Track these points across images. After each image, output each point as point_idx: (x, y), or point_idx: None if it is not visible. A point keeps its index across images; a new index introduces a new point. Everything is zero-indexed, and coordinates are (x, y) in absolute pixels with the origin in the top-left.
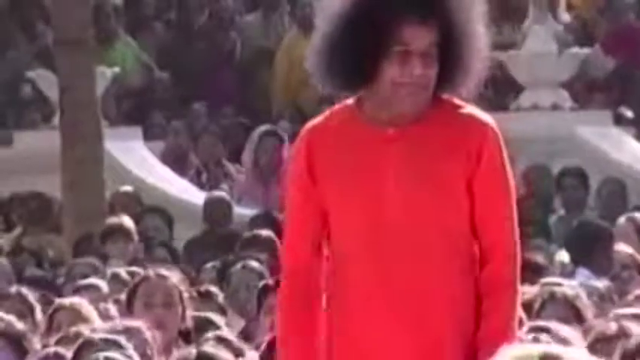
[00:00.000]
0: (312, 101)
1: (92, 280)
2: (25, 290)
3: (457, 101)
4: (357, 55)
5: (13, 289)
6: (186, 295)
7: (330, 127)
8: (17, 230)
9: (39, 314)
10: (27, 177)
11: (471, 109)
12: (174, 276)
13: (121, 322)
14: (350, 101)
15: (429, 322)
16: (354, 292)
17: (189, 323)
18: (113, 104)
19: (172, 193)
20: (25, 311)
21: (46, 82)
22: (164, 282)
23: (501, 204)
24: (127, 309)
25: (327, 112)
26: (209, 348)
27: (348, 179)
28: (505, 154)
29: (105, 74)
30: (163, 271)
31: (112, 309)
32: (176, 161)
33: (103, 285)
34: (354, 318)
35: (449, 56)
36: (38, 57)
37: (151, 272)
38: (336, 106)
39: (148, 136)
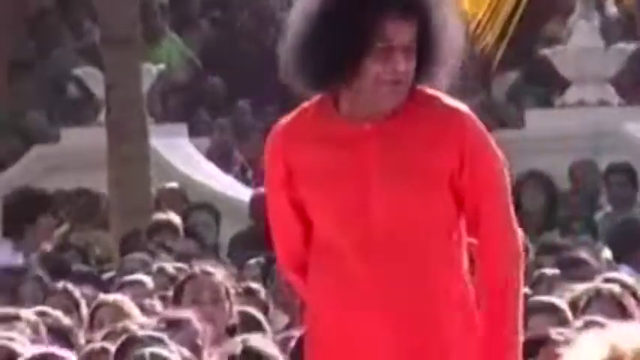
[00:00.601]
0: None
1: (137, 275)
2: (71, 286)
3: (429, 91)
4: (337, 52)
5: (60, 284)
6: (232, 291)
7: (304, 125)
8: (64, 227)
9: (84, 310)
10: (74, 173)
11: (444, 98)
12: (220, 272)
13: (171, 313)
14: (319, 99)
15: (420, 319)
16: (340, 291)
17: (235, 319)
18: (159, 101)
19: (218, 189)
20: (70, 307)
21: (93, 79)
22: (211, 278)
23: (494, 192)
24: (174, 305)
25: (296, 111)
26: (255, 342)
27: (329, 178)
28: (488, 138)
29: (151, 71)
30: (209, 268)
31: (158, 305)
32: (221, 158)
33: (148, 281)
34: (340, 317)
35: (426, 50)
36: (85, 54)
37: (197, 269)
38: (306, 104)
39: (193, 133)
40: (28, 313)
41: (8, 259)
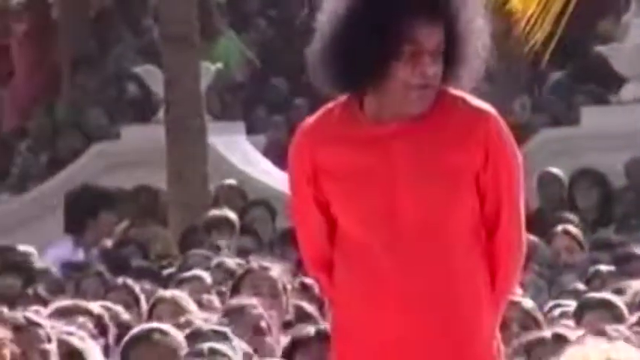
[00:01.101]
0: None
1: (196, 271)
2: (131, 281)
3: (454, 91)
4: (366, 55)
5: (120, 280)
6: (288, 286)
7: (330, 126)
8: (124, 223)
9: (144, 305)
10: (133, 171)
11: (469, 98)
12: (277, 268)
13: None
14: (345, 99)
15: (448, 319)
16: (368, 289)
17: (291, 315)
18: (217, 99)
19: (274, 186)
20: (130, 302)
21: (152, 77)
22: (269, 273)
23: (512, 194)
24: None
25: (321, 111)
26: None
27: (356, 178)
28: (511, 139)
29: (209, 70)
30: (267, 263)
31: (215, 300)
32: (277, 155)
33: (206, 276)
34: (367, 315)
35: (453, 52)
36: (144, 53)
37: (255, 264)
38: (331, 105)
39: (250, 131)
40: (92, 307)
41: (69, 255)
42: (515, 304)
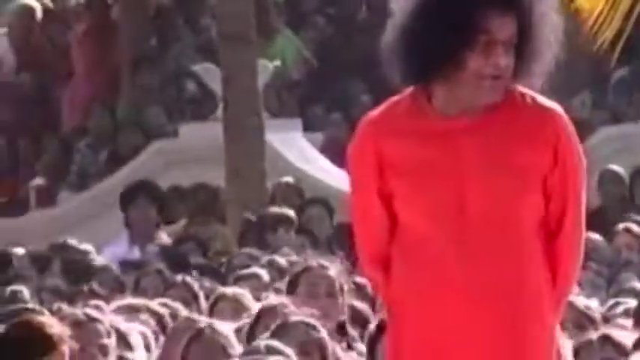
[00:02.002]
0: None
1: (254, 269)
2: (190, 279)
3: (524, 90)
4: (440, 44)
5: (179, 277)
6: (345, 287)
7: (396, 118)
8: (183, 220)
9: (203, 302)
10: (192, 168)
11: (540, 98)
12: (334, 267)
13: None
14: (411, 92)
15: (513, 316)
16: (434, 286)
17: (346, 315)
18: (274, 97)
19: (332, 184)
20: (189, 299)
21: (211, 75)
22: (326, 272)
23: (578, 196)
24: (288, 297)
25: (386, 104)
26: None
27: (424, 172)
28: (577, 140)
29: (267, 67)
30: (325, 262)
31: (273, 297)
32: (335, 153)
33: (264, 274)
34: (433, 311)
35: (525, 47)
36: (203, 51)
37: (313, 262)
38: (396, 98)
39: (307, 128)
40: (152, 305)
41: (126, 253)
42: (570, 304)
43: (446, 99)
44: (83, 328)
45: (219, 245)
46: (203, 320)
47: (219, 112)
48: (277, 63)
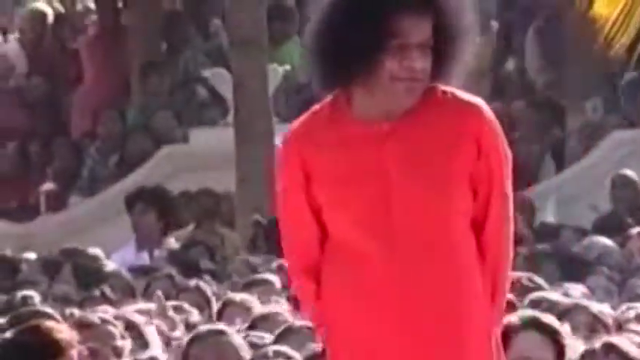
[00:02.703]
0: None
1: (264, 275)
2: (203, 284)
3: (443, 87)
4: (352, 48)
5: (192, 282)
6: None
7: (318, 126)
8: (191, 225)
9: (215, 307)
10: (202, 173)
11: (459, 93)
12: None
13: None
14: (332, 98)
15: (445, 318)
16: (362, 293)
17: None
18: (284, 101)
19: None
20: (202, 304)
21: (221, 80)
22: None
23: (497, 190)
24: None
25: (309, 112)
26: None
27: (348, 179)
28: (499, 128)
29: (277, 72)
30: None
31: (284, 304)
32: None
33: (275, 280)
34: (358, 319)
35: (443, 48)
36: (213, 56)
37: None
38: (318, 105)
39: None
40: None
41: (134, 258)
42: (583, 308)
43: (365, 104)
44: (96, 330)
45: (227, 250)
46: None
47: (230, 117)
48: (287, 67)
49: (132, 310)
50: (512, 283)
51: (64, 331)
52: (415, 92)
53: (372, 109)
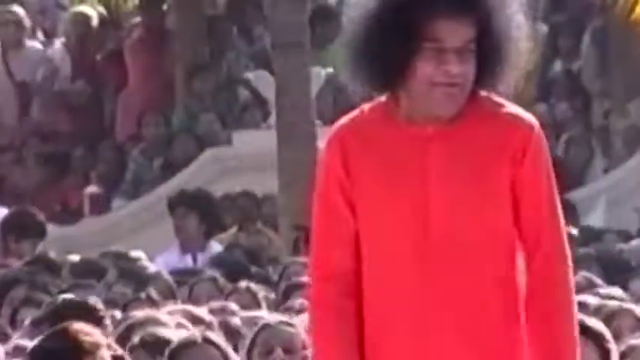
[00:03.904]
0: (529, 99)
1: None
2: (254, 286)
3: (496, 98)
4: (387, 52)
5: (243, 284)
6: None
7: (364, 127)
8: (234, 228)
9: (265, 309)
10: (246, 176)
11: (512, 107)
12: None
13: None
14: (382, 99)
15: (473, 324)
16: (396, 294)
17: None
18: (327, 104)
19: None
20: (253, 307)
21: (264, 82)
22: None
23: (544, 207)
24: None
25: (356, 112)
26: None
27: (390, 182)
28: (548, 155)
29: (319, 75)
30: None
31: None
32: None
33: None
34: (394, 321)
35: (488, 52)
36: (256, 59)
37: None
38: (367, 105)
39: None
40: (200, 312)
41: (177, 261)
42: (627, 312)
43: (410, 107)
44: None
45: (270, 253)
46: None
47: (272, 119)
48: (330, 70)
49: (173, 310)
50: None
51: (90, 333)
52: (455, 97)
53: (417, 113)
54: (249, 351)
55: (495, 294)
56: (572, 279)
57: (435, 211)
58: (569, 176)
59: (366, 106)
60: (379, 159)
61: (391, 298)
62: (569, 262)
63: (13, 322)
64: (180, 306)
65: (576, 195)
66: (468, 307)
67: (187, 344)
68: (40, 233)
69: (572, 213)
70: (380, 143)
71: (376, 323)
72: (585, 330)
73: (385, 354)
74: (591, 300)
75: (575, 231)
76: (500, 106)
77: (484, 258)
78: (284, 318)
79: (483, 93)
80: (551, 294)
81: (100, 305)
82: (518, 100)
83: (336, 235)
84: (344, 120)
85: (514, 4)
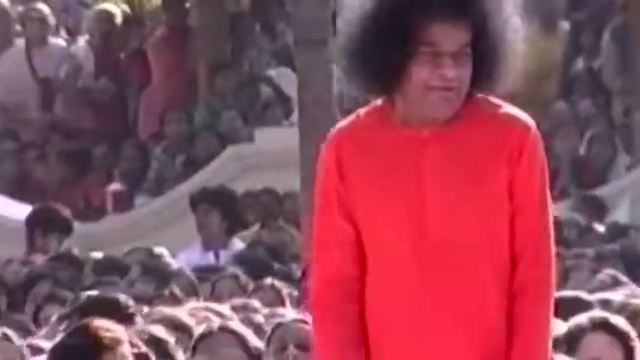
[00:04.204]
0: (551, 97)
1: None
2: (278, 283)
3: (493, 100)
4: (383, 56)
5: (268, 281)
6: None
7: (360, 131)
8: (256, 225)
9: (289, 306)
10: (268, 173)
11: (508, 108)
12: None
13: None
14: (379, 102)
15: (472, 326)
16: (395, 296)
17: None
18: (349, 101)
19: None
20: (277, 304)
21: (286, 79)
22: None
23: (537, 210)
24: None
25: (354, 115)
26: None
27: (386, 185)
28: (544, 159)
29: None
30: None
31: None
32: None
33: None
34: (393, 323)
35: (484, 55)
36: (278, 56)
37: None
38: (364, 109)
39: None
40: (222, 309)
41: (199, 258)
42: None
43: (406, 110)
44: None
45: (293, 251)
46: None
47: (294, 116)
48: None
49: (194, 307)
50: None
51: (111, 329)
52: (451, 101)
53: (413, 116)
54: (267, 348)
55: (494, 295)
56: (553, 282)
57: (431, 213)
58: (593, 174)
59: (362, 110)
60: (375, 162)
61: (390, 300)
62: (552, 266)
63: (37, 319)
64: (202, 303)
65: (600, 192)
66: (466, 308)
67: (206, 334)
68: (67, 229)
69: (600, 209)
70: (376, 147)
71: (376, 326)
72: (610, 328)
73: (385, 356)
74: (615, 297)
75: (602, 228)
76: (497, 107)
77: (482, 259)
78: (299, 316)
79: (480, 95)
80: (534, 295)
81: (130, 302)
82: (539, 97)
83: (335, 239)
84: (341, 124)
85: (509, 7)
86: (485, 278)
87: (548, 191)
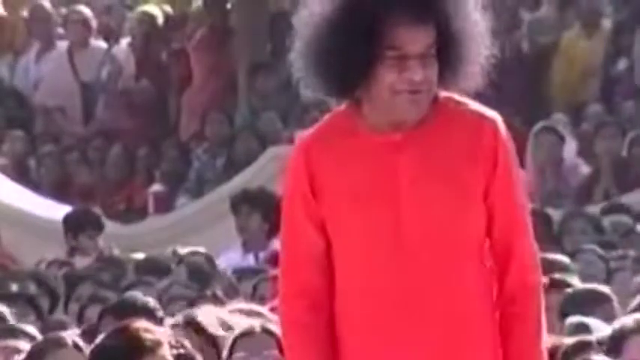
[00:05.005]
0: (591, 99)
1: None
2: None
3: (458, 97)
4: (349, 60)
5: None
6: None
7: (329, 137)
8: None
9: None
10: None
11: (474, 105)
12: None
13: None
14: (345, 107)
15: (455, 331)
16: (370, 303)
17: None
18: None
19: None
20: None
21: None
22: None
23: (516, 207)
24: None
25: (320, 122)
26: None
27: (359, 190)
28: (513, 150)
29: None
30: None
31: None
32: None
33: None
34: (369, 330)
35: (450, 53)
36: None
37: None
38: (330, 114)
39: None
40: (262, 310)
41: (240, 260)
42: None
43: (374, 115)
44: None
45: None
46: None
47: None
48: None
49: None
50: None
51: (152, 331)
52: (420, 103)
53: (382, 120)
54: None
55: (474, 296)
56: (540, 280)
57: (407, 216)
58: (635, 175)
59: (328, 116)
60: (348, 167)
61: (365, 308)
62: (536, 260)
63: (81, 319)
64: (243, 304)
65: None
66: (445, 311)
67: (246, 333)
68: (97, 227)
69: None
70: (346, 153)
71: (349, 333)
72: None
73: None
74: None
75: None
76: (464, 105)
77: (461, 260)
78: None
79: (444, 93)
80: (527, 301)
81: (157, 305)
82: (579, 97)
83: (303, 251)
84: (309, 131)
85: (470, 3)
86: (464, 279)
87: (521, 182)
